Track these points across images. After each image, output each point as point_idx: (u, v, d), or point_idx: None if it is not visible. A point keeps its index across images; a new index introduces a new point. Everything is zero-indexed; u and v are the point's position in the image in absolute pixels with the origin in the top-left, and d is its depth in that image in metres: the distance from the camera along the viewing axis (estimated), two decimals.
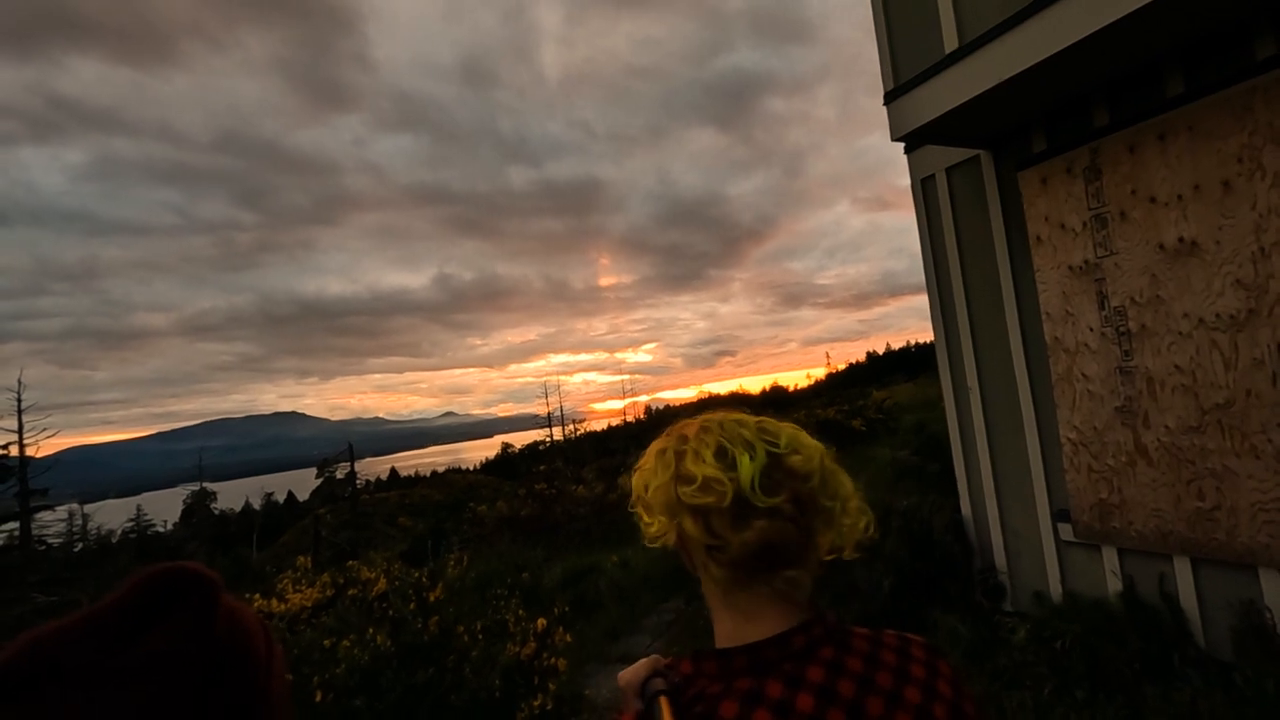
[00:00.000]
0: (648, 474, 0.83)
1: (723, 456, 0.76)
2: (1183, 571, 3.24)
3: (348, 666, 2.68)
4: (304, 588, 5.60)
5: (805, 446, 0.80)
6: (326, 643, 2.91)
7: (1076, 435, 3.61)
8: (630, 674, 0.80)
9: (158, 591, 0.60)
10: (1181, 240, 3.10)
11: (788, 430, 0.82)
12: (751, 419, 0.83)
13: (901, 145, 4.50)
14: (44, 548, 21.86)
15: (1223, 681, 2.77)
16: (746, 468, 0.75)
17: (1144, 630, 3.17)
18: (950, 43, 4.11)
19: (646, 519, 0.82)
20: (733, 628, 0.76)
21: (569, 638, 3.59)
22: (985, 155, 4.10)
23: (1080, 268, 3.51)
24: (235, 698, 0.60)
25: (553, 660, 3.17)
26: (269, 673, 0.66)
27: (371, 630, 2.95)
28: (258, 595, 5.58)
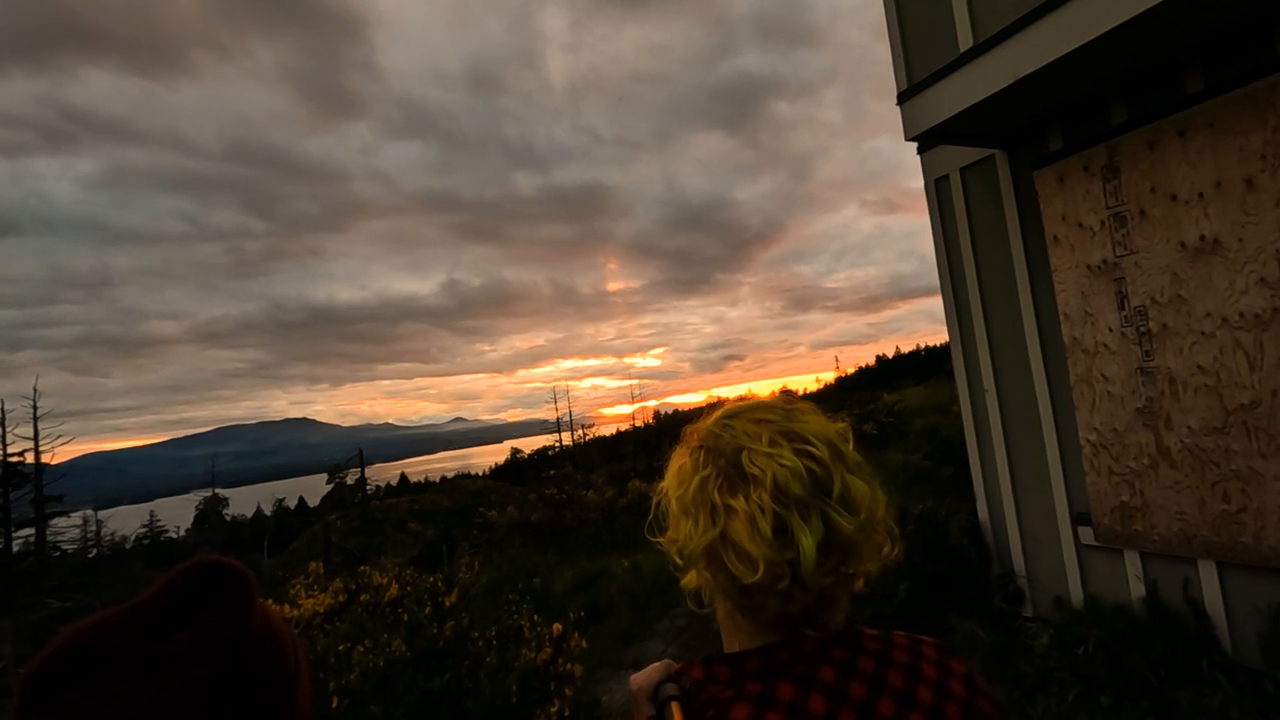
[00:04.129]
0: (683, 512, 0.74)
1: (782, 533, 0.67)
2: (1208, 576, 3.18)
3: (362, 672, 2.68)
4: (316, 593, 5.61)
5: (858, 495, 0.71)
6: (341, 648, 2.91)
7: (1097, 437, 3.56)
8: (642, 678, 0.79)
9: (196, 584, 0.62)
10: (1203, 238, 3.05)
11: (837, 467, 0.72)
12: (790, 446, 0.72)
13: (913, 146, 4.48)
14: (59, 554, 22.07)
15: (1252, 688, 2.71)
16: (809, 550, 0.67)
17: (1168, 636, 3.11)
18: (965, 41, 4.08)
19: (679, 562, 0.75)
20: (739, 636, 0.76)
21: (584, 643, 3.57)
22: (1000, 154, 4.06)
23: (1099, 267, 3.47)
24: (270, 685, 0.62)
25: (569, 666, 3.15)
26: (298, 665, 0.67)
27: (386, 636, 2.94)
28: (270, 601, 5.59)
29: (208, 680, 0.57)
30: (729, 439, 0.75)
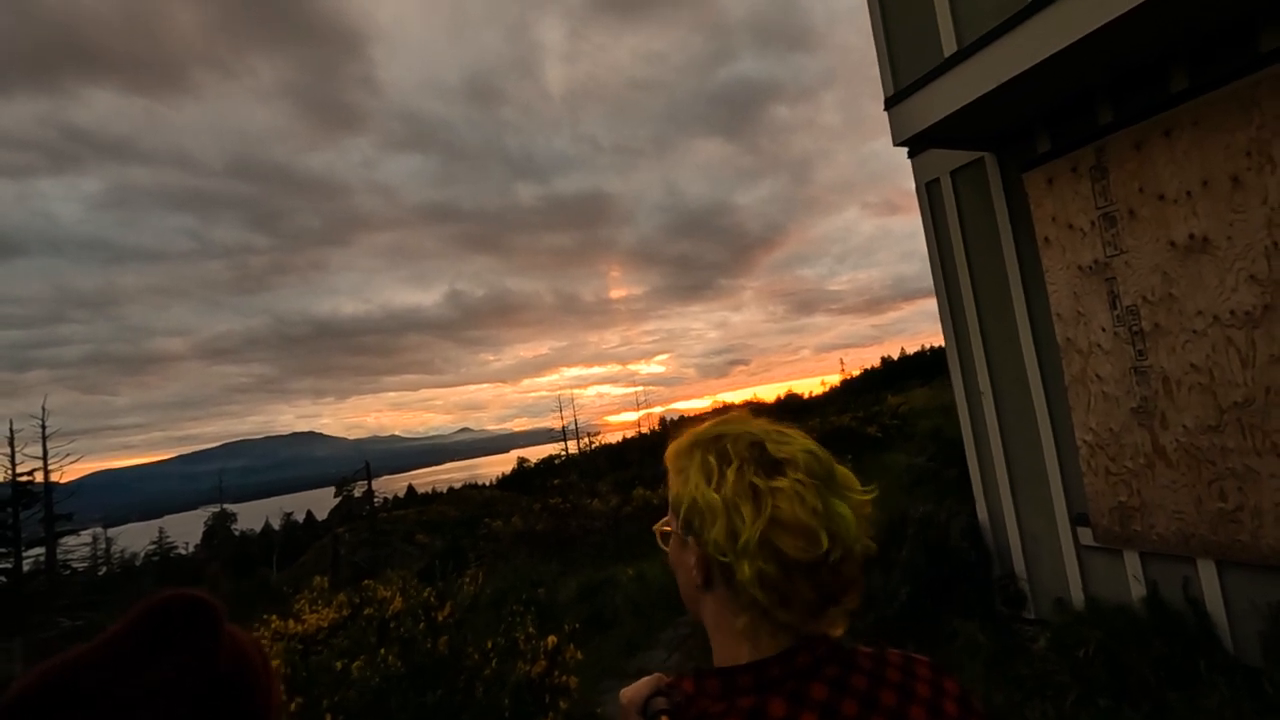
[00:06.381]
0: (725, 506, 0.72)
1: (826, 505, 0.71)
2: (1207, 574, 3.16)
3: (359, 689, 2.68)
4: (320, 608, 5.61)
5: (851, 479, 0.76)
6: (338, 665, 2.91)
7: (1093, 437, 3.55)
8: (632, 692, 0.79)
9: (164, 619, 0.62)
10: (1192, 237, 3.05)
11: (828, 455, 0.76)
12: (800, 441, 0.76)
13: (905, 149, 4.49)
14: (69, 572, 22.15)
15: (1251, 688, 2.70)
16: (850, 518, 0.71)
17: (1169, 636, 3.10)
18: (949, 46, 4.10)
19: (724, 559, 0.71)
20: (735, 647, 0.74)
21: (580, 655, 3.56)
22: (990, 157, 4.07)
23: (1090, 267, 3.47)
24: (242, 714, 0.63)
25: (564, 678, 3.15)
26: (268, 698, 0.68)
27: (383, 651, 2.95)
28: (274, 616, 5.59)
29: (175, 714, 0.57)
30: (737, 433, 0.77)
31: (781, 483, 0.71)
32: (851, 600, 0.74)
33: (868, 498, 0.75)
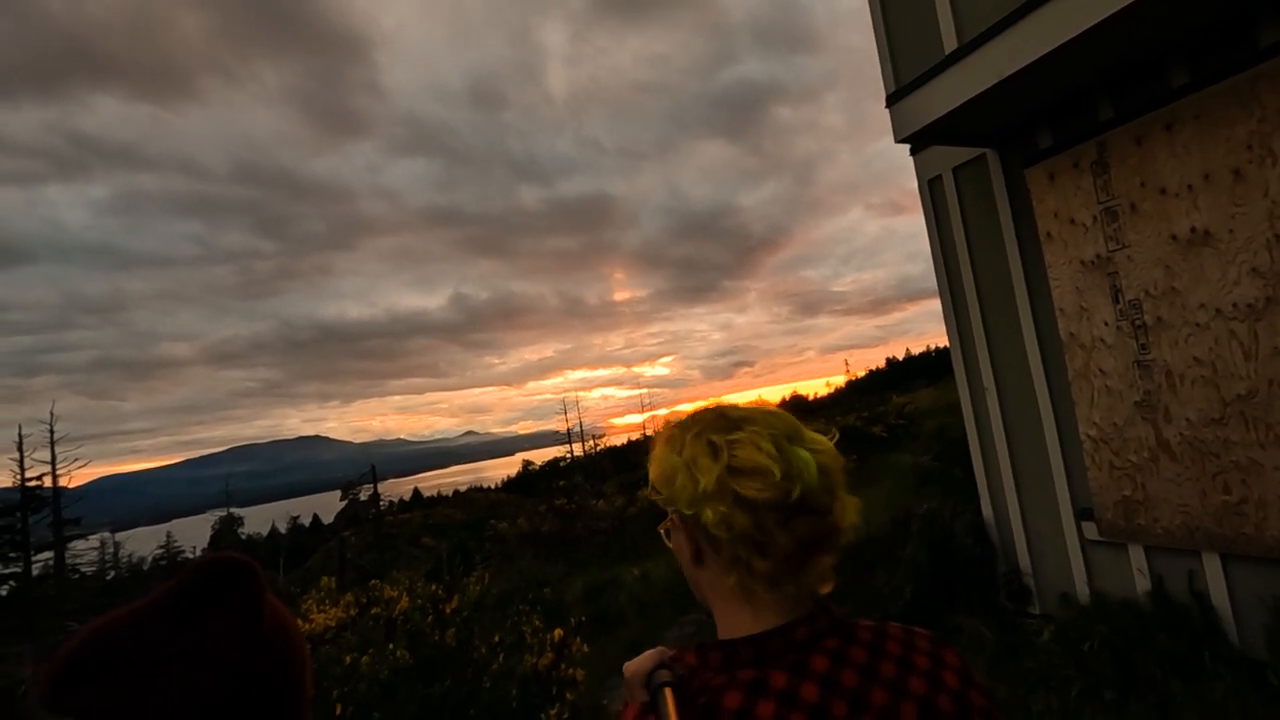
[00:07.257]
0: (685, 465, 0.76)
1: (782, 450, 0.73)
2: (1212, 568, 3.16)
3: (368, 680, 2.71)
4: (328, 608, 5.65)
5: (822, 439, 0.78)
6: (348, 659, 2.94)
7: (1096, 432, 3.55)
8: (636, 665, 0.79)
9: (208, 581, 0.64)
10: (1194, 230, 3.06)
11: (799, 424, 0.80)
12: (761, 408, 0.81)
13: (907, 147, 4.51)
14: (78, 576, 22.25)
15: (1256, 680, 2.70)
16: (810, 461, 0.73)
17: (1174, 629, 3.10)
18: (949, 43, 4.12)
19: (688, 512, 0.75)
20: (737, 619, 0.76)
21: (586, 648, 3.58)
22: (991, 154, 4.08)
23: (1092, 262, 3.47)
24: (280, 674, 0.65)
25: (570, 671, 3.17)
26: (303, 660, 0.70)
27: (391, 645, 2.98)
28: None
29: (221, 674, 0.60)
30: (702, 409, 0.82)
31: (739, 435, 0.75)
32: (832, 551, 0.75)
33: (829, 447, 0.77)
